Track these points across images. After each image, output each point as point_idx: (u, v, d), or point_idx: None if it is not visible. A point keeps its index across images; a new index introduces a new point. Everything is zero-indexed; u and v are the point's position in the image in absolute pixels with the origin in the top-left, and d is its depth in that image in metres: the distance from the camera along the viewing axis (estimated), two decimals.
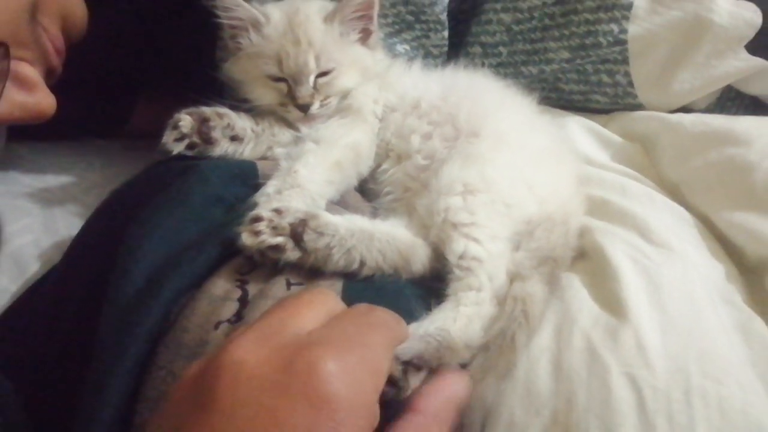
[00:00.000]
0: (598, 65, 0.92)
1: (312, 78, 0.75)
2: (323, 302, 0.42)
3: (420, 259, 0.63)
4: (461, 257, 0.61)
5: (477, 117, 0.73)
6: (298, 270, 0.58)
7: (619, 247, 0.62)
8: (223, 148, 0.72)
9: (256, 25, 0.74)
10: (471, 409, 0.49)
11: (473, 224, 0.63)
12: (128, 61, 0.98)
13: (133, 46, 0.95)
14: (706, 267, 0.62)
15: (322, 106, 0.76)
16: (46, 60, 0.68)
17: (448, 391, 0.47)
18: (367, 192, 0.77)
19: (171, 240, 0.58)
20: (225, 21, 0.74)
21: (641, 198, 0.72)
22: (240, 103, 0.75)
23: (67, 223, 0.82)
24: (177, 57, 0.95)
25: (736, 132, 0.75)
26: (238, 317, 0.52)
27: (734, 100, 0.94)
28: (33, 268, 0.76)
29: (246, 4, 0.73)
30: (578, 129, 0.90)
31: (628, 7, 0.88)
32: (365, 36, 0.79)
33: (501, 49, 0.96)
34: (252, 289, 0.55)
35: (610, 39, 0.89)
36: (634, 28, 0.88)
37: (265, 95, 0.76)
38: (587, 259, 0.65)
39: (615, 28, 0.88)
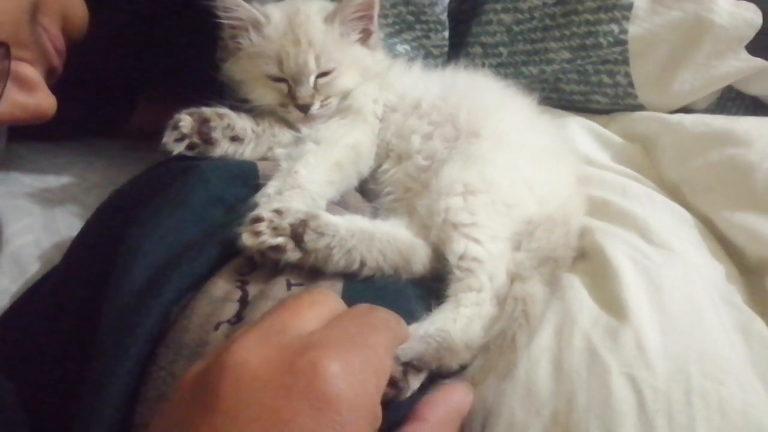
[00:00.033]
0: (599, 66, 0.92)
1: (312, 78, 0.75)
2: (324, 302, 0.42)
3: (420, 259, 0.63)
4: (461, 258, 0.61)
5: (477, 117, 0.73)
6: (299, 270, 0.58)
7: (619, 248, 0.62)
8: (223, 148, 0.72)
9: (257, 25, 0.74)
10: (472, 409, 0.49)
11: (474, 224, 0.63)
12: (128, 61, 0.98)
13: (133, 46, 0.95)
14: (707, 267, 0.62)
15: (322, 106, 0.76)
16: (46, 60, 0.68)
17: (452, 400, 0.48)
18: (367, 192, 0.77)
19: (171, 240, 0.58)
20: (225, 21, 0.74)
21: (642, 198, 0.72)
22: (240, 104, 0.75)
23: (68, 224, 0.82)
24: (177, 57, 0.95)
25: (737, 132, 0.75)
26: (239, 318, 0.52)
27: (734, 101, 0.94)
28: (33, 269, 0.76)
29: (246, 4, 0.73)
30: (578, 129, 0.90)
31: (629, 8, 0.88)
32: (365, 36, 0.79)
33: (501, 49, 0.96)
34: (252, 289, 0.55)
35: (611, 39, 0.89)
36: (634, 29, 0.88)
37: (265, 95, 0.76)
38: (588, 259, 0.65)
39: (615, 28, 0.88)
